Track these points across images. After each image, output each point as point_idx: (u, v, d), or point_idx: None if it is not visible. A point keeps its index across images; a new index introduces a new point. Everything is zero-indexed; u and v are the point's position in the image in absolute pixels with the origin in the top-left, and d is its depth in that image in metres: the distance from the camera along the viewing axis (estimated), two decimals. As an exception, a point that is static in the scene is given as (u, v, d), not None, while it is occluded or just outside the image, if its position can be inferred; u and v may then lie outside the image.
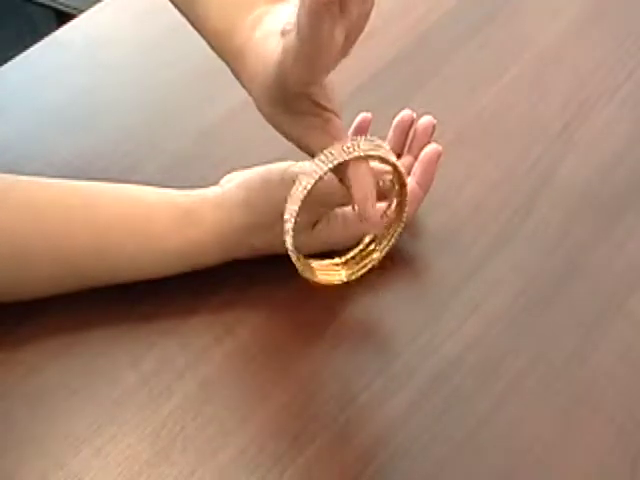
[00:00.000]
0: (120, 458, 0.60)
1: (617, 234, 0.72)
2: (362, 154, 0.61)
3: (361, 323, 0.68)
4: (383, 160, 0.63)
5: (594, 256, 0.71)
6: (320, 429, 0.61)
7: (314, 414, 0.62)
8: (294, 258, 0.64)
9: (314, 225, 0.68)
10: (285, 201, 0.64)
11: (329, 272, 0.67)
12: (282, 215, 0.65)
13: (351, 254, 0.68)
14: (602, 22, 0.90)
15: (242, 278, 0.68)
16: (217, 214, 0.66)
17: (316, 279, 0.66)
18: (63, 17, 1.24)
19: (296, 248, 0.64)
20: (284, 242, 0.63)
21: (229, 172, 0.68)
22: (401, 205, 0.66)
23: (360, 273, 0.67)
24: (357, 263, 0.68)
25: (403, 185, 0.65)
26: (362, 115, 0.74)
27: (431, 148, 0.70)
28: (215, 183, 0.68)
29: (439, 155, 0.70)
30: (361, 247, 0.68)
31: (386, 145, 0.63)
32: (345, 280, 0.67)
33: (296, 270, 0.67)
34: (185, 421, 0.62)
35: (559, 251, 0.71)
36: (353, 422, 0.62)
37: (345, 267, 0.68)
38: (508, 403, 0.63)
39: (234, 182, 0.67)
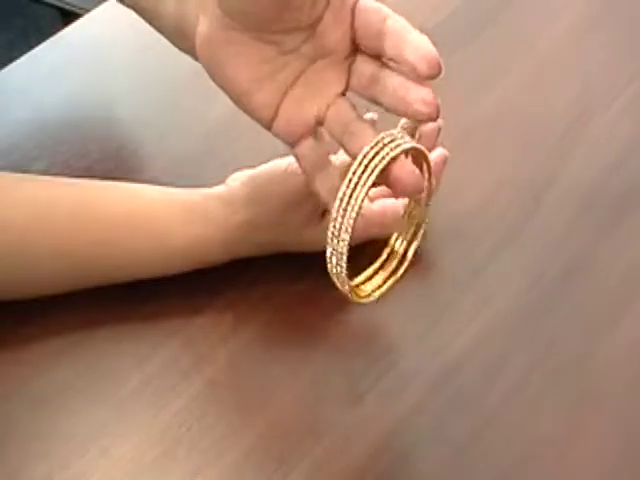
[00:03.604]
0: (125, 458, 0.60)
1: (622, 234, 0.72)
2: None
3: (365, 323, 0.68)
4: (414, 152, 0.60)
5: (599, 256, 0.71)
6: (325, 430, 0.62)
7: (319, 414, 0.62)
8: (343, 286, 0.60)
9: (322, 216, 0.67)
10: (288, 194, 0.64)
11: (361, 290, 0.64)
12: (285, 210, 0.65)
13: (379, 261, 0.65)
14: (605, 24, 0.90)
15: (247, 278, 0.68)
16: (221, 210, 0.66)
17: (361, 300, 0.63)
18: (68, 17, 1.24)
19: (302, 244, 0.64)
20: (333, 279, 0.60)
21: (233, 172, 0.68)
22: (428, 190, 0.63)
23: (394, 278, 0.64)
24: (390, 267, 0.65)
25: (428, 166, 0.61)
26: (367, 116, 0.74)
27: (438, 153, 0.70)
28: (219, 184, 0.68)
29: (445, 160, 0.70)
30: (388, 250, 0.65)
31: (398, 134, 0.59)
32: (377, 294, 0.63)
33: (300, 270, 0.67)
34: (190, 422, 0.62)
35: (564, 251, 0.71)
36: (358, 422, 0.62)
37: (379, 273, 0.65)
38: (514, 403, 0.63)
39: (239, 180, 0.67)
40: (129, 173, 0.74)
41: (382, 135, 0.58)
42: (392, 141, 0.58)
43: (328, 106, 0.60)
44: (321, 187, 0.61)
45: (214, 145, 0.77)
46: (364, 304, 0.62)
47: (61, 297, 0.65)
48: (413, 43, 0.57)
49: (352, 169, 0.57)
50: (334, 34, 0.59)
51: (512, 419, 0.62)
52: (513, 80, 0.84)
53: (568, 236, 0.72)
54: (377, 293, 0.63)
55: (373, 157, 0.57)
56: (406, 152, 0.59)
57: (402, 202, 0.68)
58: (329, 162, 0.62)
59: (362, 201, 0.57)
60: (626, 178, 0.76)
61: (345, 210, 0.57)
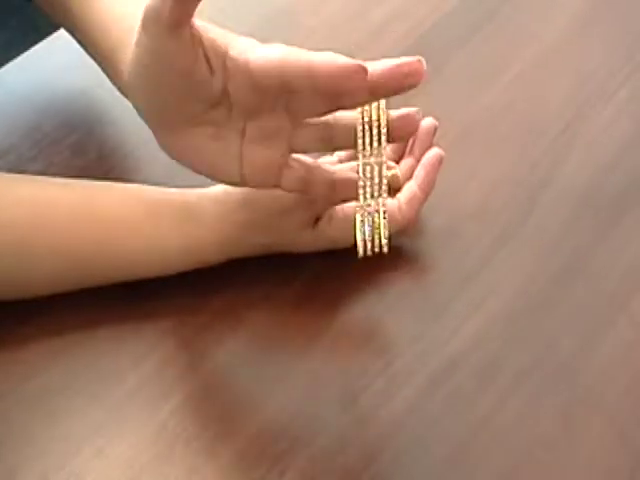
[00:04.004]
0: (121, 458, 0.60)
1: (619, 234, 0.72)
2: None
3: (362, 323, 0.68)
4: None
5: (595, 257, 0.71)
6: (321, 429, 0.62)
7: (315, 414, 0.62)
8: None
9: (315, 222, 0.67)
10: (283, 197, 0.65)
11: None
12: (281, 213, 0.65)
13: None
14: (602, 22, 0.90)
15: (243, 278, 0.68)
16: (217, 211, 0.66)
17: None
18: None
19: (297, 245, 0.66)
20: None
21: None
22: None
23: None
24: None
25: None
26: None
27: (433, 152, 0.70)
28: (216, 184, 0.68)
29: (441, 159, 0.70)
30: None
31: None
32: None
33: (297, 269, 0.67)
34: (186, 421, 0.62)
35: (561, 251, 0.71)
36: (354, 422, 0.62)
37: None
38: (509, 403, 0.63)
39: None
40: (126, 173, 0.74)
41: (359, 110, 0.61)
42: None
43: (288, 148, 0.62)
44: (321, 190, 0.63)
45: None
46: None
47: (58, 297, 0.65)
48: (321, 68, 0.56)
49: (359, 140, 0.61)
50: (246, 95, 0.59)
51: (509, 419, 0.62)
52: (510, 80, 0.84)
53: (565, 236, 0.72)
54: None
55: (370, 122, 0.60)
56: None
57: (396, 202, 0.68)
58: (316, 168, 0.62)
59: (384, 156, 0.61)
60: (623, 178, 0.76)
61: (372, 178, 0.61)
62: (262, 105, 0.60)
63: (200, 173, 0.63)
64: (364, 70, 0.55)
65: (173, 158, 0.63)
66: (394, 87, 0.58)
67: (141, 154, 0.77)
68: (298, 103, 0.60)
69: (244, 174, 0.62)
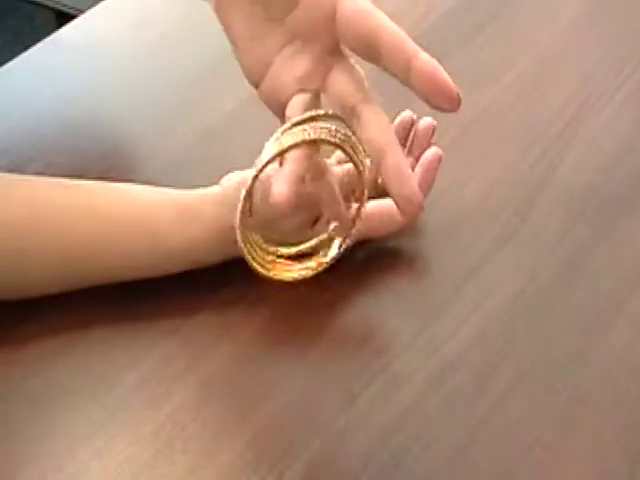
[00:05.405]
0: (119, 459, 0.60)
1: (617, 234, 0.72)
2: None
3: (361, 323, 0.68)
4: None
5: (594, 256, 0.71)
6: (320, 430, 0.62)
7: (314, 414, 0.62)
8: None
9: (313, 224, 0.68)
10: None
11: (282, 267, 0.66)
12: (280, 214, 0.65)
13: (300, 248, 0.67)
14: (602, 22, 0.90)
15: (242, 278, 0.68)
16: (216, 211, 0.66)
17: (270, 274, 0.65)
18: (63, 18, 1.24)
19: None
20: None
21: (229, 172, 0.68)
22: (361, 201, 0.65)
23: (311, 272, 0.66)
24: (308, 261, 0.67)
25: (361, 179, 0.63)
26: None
27: (432, 152, 0.70)
28: (215, 184, 0.68)
29: (440, 159, 0.70)
30: (313, 243, 0.67)
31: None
32: (297, 278, 0.66)
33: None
34: (185, 422, 0.62)
35: (559, 251, 0.71)
36: (353, 423, 0.62)
37: (297, 263, 0.66)
38: (508, 403, 0.63)
39: (234, 180, 0.67)
40: (124, 174, 0.74)
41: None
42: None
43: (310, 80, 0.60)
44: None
45: (209, 146, 0.77)
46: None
47: (57, 297, 0.66)
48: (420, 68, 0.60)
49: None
50: (309, 22, 0.58)
51: (507, 420, 0.62)
52: (509, 81, 0.84)
53: (563, 236, 0.72)
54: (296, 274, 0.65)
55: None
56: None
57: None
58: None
59: None
60: (621, 178, 0.76)
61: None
62: (321, 41, 0.59)
63: (228, 38, 0.61)
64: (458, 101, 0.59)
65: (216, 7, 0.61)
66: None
67: (139, 155, 0.77)
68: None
69: (261, 82, 0.61)
